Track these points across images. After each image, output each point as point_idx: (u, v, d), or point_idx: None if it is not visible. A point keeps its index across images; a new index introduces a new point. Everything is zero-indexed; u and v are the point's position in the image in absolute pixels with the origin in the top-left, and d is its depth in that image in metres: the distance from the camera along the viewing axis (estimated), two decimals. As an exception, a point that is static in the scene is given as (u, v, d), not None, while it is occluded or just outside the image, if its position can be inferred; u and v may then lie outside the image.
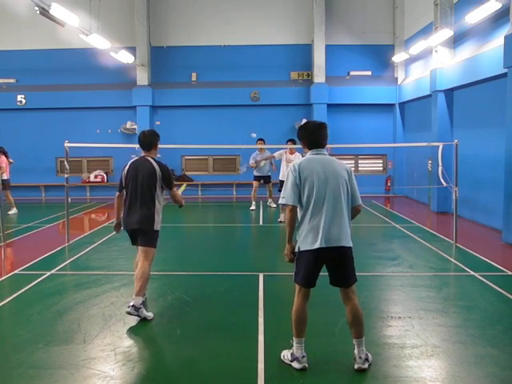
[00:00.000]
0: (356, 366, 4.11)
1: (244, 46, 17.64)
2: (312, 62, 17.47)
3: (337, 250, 4.03)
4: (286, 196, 4.07)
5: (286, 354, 4.26)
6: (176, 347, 4.69)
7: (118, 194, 5.64)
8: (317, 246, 3.99)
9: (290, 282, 6.93)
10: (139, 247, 5.58)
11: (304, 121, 17.38)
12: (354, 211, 4.24)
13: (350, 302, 4.14)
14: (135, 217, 5.43)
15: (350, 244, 4.11)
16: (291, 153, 12.16)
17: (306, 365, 4.12)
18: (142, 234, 5.46)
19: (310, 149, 4.26)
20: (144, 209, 5.42)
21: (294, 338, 4.19)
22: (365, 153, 17.89)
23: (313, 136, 4.25)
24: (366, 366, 4.11)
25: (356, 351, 4.14)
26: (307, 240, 4.04)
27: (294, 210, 4.06)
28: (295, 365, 4.12)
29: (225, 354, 4.48)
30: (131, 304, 5.24)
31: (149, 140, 5.61)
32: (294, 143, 11.49)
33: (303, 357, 4.13)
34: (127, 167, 5.56)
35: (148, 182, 5.45)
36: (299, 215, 4.12)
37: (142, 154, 5.64)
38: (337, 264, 4.10)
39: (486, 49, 10.69)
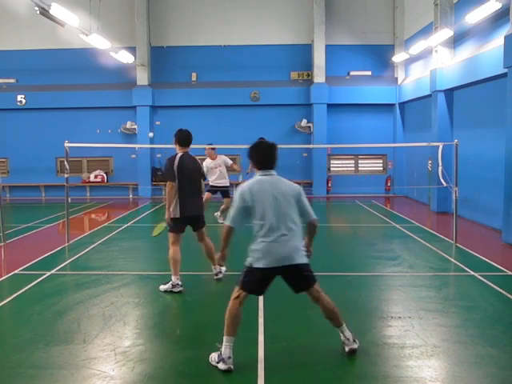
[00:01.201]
0: (347, 349, 4.33)
1: (244, 45, 17.65)
2: (312, 61, 17.49)
3: (289, 268, 4.14)
4: (231, 217, 4.22)
5: (213, 356, 4.22)
6: (176, 347, 4.68)
7: (172, 184, 6.19)
8: (268, 265, 4.09)
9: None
10: (199, 229, 6.58)
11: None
12: (310, 227, 4.41)
13: (318, 300, 4.34)
14: (194, 205, 6.36)
15: (303, 261, 4.20)
16: (212, 158, 11.20)
17: (232, 366, 4.09)
18: (200, 218, 6.53)
19: (259, 169, 4.30)
20: (198, 198, 6.49)
21: (224, 337, 4.17)
22: (365, 153, 17.90)
23: (264, 158, 4.28)
24: (356, 346, 4.35)
25: (342, 336, 4.36)
26: (259, 258, 4.12)
27: (230, 230, 4.23)
28: (221, 366, 4.09)
29: (225, 354, 4.48)
30: (219, 270, 6.75)
31: (191, 138, 6.51)
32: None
33: (229, 358, 4.10)
34: (177, 161, 6.22)
35: (198, 175, 6.49)
36: (254, 233, 4.22)
37: (179, 149, 6.38)
38: (291, 278, 4.24)
39: (486, 49, 10.69)
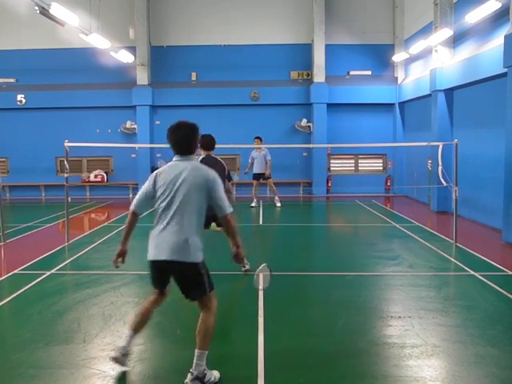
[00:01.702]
0: (189, 377, 3.81)
1: (244, 45, 17.64)
2: (312, 61, 17.48)
3: (170, 264, 3.75)
4: (134, 201, 3.98)
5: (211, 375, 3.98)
6: (176, 347, 4.69)
7: None
8: (151, 257, 3.83)
9: (291, 282, 6.96)
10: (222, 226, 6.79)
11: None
12: (223, 222, 3.91)
13: (201, 312, 3.98)
14: None
15: (189, 259, 3.74)
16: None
17: (120, 360, 3.99)
18: None
19: (175, 153, 3.95)
20: None
21: (128, 329, 4.09)
22: (365, 152, 17.89)
23: (175, 141, 3.92)
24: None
25: (193, 363, 3.83)
26: (150, 249, 3.86)
27: (133, 214, 3.98)
28: (112, 354, 4.07)
29: (225, 354, 4.48)
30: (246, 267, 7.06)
31: (214, 141, 7.03)
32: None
33: (123, 348, 4.00)
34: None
35: (220, 176, 6.55)
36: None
37: (203, 152, 6.91)
38: (175, 277, 3.89)
39: (486, 48, 10.69)
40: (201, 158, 6.83)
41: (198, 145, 6.69)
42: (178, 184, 3.78)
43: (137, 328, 4.09)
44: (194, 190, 3.77)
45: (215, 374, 3.95)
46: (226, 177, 6.96)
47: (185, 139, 3.91)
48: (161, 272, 3.89)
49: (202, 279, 3.83)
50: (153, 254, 3.82)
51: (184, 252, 3.72)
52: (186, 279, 3.85)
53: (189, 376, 3.82)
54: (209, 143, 6.96)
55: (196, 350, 3.86)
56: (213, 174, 3.91)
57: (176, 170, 3.85)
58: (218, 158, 7.12)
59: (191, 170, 3.83)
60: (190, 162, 3.90)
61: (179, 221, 3.74)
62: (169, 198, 3.79)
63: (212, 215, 6.65)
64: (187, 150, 3.91)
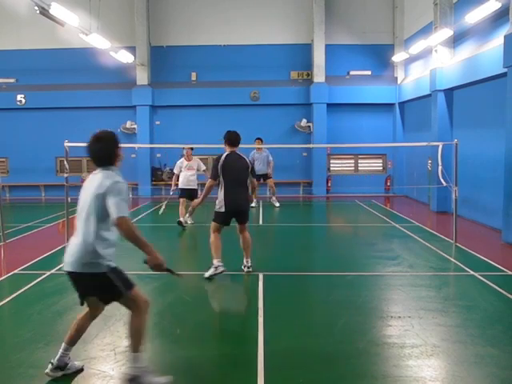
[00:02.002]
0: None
1: (244, 45, 17.65)
2: (312, 61, 17.48)
3: (75, 275, 3.74)
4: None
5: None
6: (176, 347, 4.68)
7: (212, 181, 6.81)
8: (64, 269, 3.82)
9: (291, 282, 6.96)
10: (241, 223, 7.01)
11: (307, 121, 17.39)
12: (116, 228, 3.63)
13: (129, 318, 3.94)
14: (237, 201, 6.79)
15: (92, 270, 3.67)
16: (189, 159, 11.21)
17: (55, 374, 3.97)
18: (243, 213, 6.95)
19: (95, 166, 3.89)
20: (243, 194, 6.89)
21: (64, 341, 4.03)
22: (365, 152, 17.90)
23: (90, 153, 3.82)
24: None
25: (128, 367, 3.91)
26: None
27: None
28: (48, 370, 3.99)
29: (224, 354, 4.48)
30: (249, 265, 7.18)
31: (239, 138, 7.03)
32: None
33: (57, 361, 3.96)
34: (222, 160, 6.77)
35: (244, 173, 6.88)
36: None
37: (228, 149, 6.91)
38: (85, 287, 3.84)
39: (486, 48, 10.69)
40: (225, 154, 6.86)
41: (224, 141, 6.88)
42: (85, 195, 3.80)
43: (72, 341, 4.03)
44: (96, 199, 3.67)
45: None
46: (249, 173, 6.98)
47: (103, 151, 3.79)
48: (73, 282, 3.83)
49: (111, 285, 3.76)
50: (64, 264, 3.83)
51: (86, 263, 3.67)
52: (94, 288, 3.81)
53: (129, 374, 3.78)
54: (234, 140, 6.99)
55: (132, 354, 3.80)
56: (117, 179, 3.69)
57: (89, 181, 3.84)
58: (243, 154, 7.07)
59: (99, 180, 3.71)
60: (106, 172, 3.76)
61: (84, 232, 3.73)
62: (78, 209, 3.83)
63: (234, 214, 6.93)
64: (106, 162, 3.79)
